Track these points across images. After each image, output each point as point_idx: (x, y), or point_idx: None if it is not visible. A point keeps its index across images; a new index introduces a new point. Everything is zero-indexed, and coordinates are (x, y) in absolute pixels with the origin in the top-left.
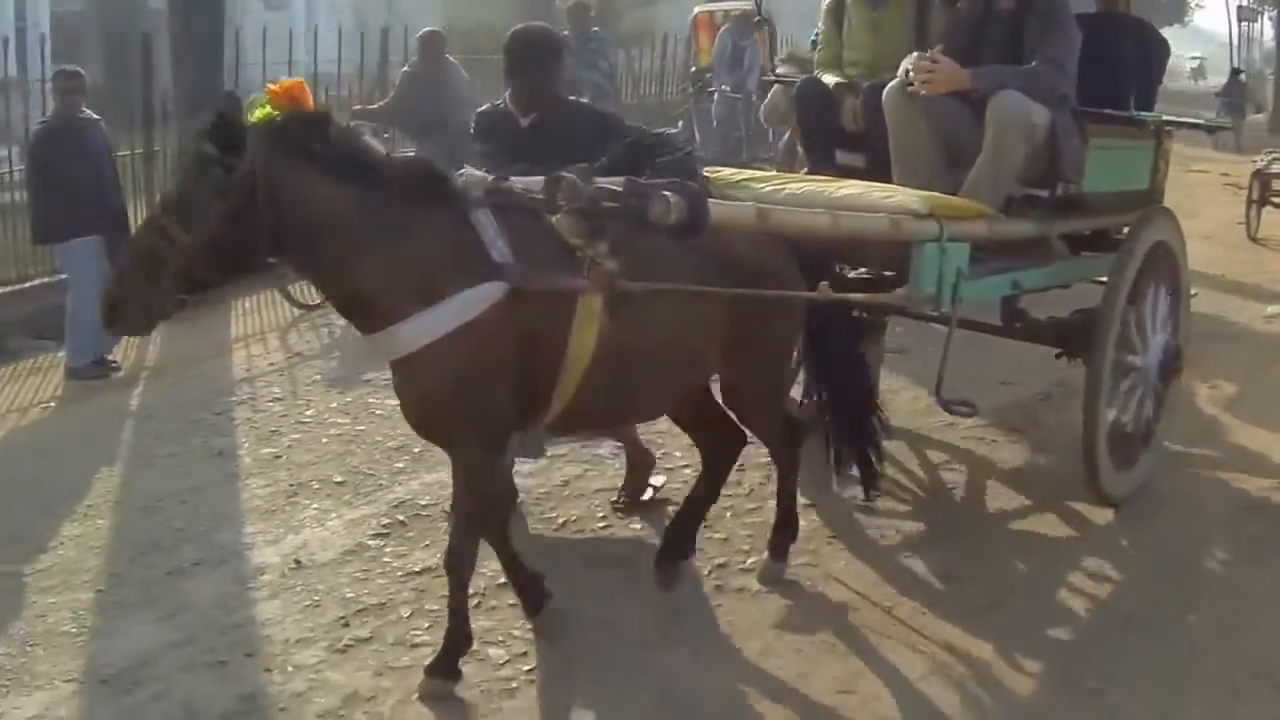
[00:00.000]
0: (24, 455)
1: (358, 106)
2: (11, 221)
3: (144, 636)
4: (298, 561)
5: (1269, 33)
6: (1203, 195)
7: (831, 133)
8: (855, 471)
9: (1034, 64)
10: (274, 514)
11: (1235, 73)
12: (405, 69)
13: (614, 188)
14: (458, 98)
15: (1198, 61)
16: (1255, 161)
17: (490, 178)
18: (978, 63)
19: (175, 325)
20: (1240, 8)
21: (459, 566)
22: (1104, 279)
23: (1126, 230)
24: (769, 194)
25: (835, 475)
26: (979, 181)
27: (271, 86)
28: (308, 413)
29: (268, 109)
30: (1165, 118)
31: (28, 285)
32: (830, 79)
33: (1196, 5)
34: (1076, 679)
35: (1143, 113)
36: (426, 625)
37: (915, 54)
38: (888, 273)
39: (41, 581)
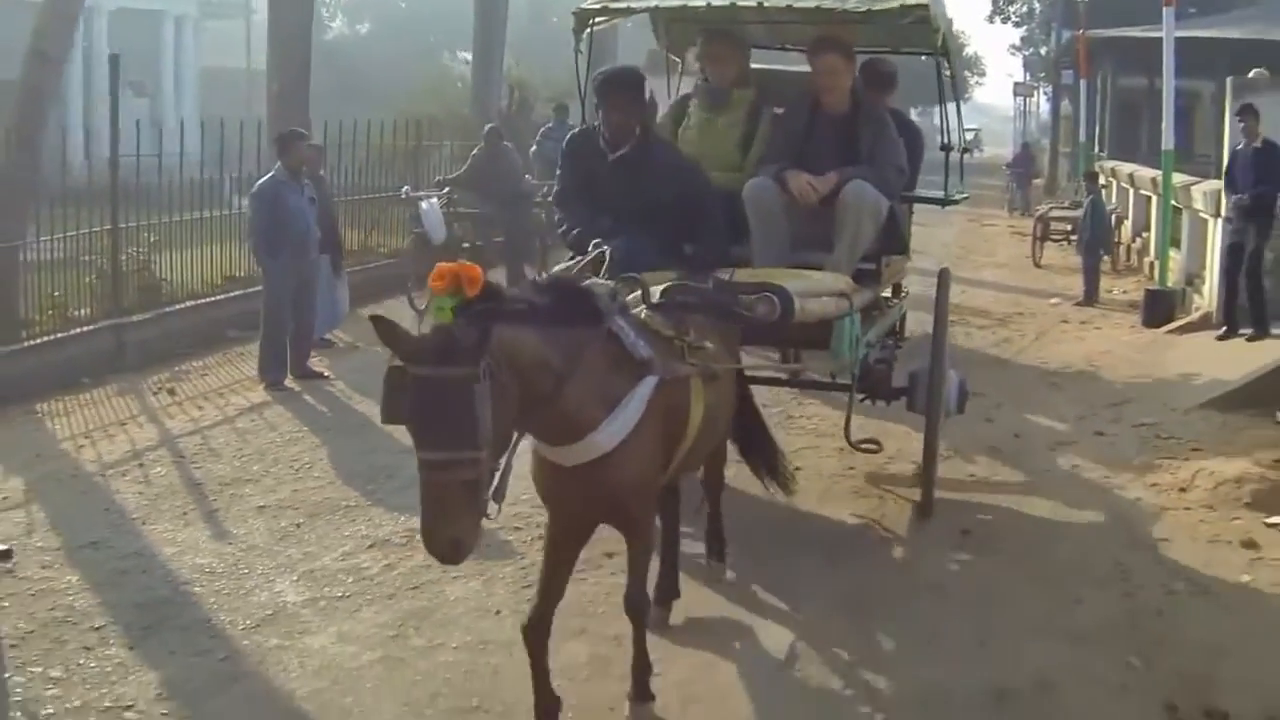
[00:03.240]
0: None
1: (440, 178)
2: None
3: None
4: None
5: (1045, 106)
6: (998, 241)
7: None
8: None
9: (879, 165)
10: None
11: (1024, 146)
12: (475, 151)
13: (703, 287)
14: (511, 172)
15: (973, 134)
16: (1036, 211)
17: (612, 284)
18: (810, 160)
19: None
20: (1016, 84)
21: (642, 610)
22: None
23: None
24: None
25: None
26: (839, 259)
27: (436, 281)
28: None
29: (451, 299)
30: (955, 195)
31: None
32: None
33: (976, 83)
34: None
35: (948, 193)
36: None
37: (776, 168)
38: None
39: None
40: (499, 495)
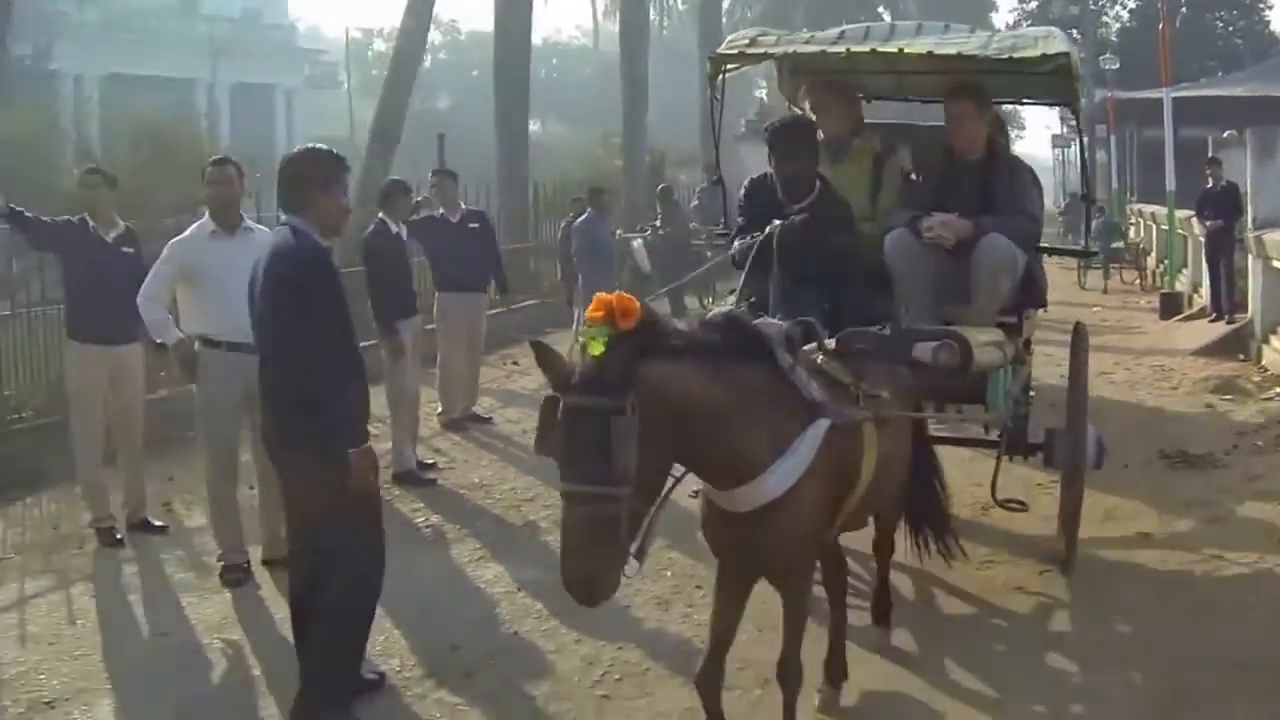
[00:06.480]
0: None
1: (649, 225)
2: None
3: None
4: None
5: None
6: (1056, 275)
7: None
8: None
9: (1017, 215)
10: None
11: (1073, 196)
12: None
13: (879, 334)
14: (684, 220)
15: None
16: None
17: (783, 323)
18: (945, 208)
19: None
20: (1055, 136)
21: (795, 681)
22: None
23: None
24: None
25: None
26: (979, 313)
27: (593, 312)
28: None
29: (604, 330)
30: (1091, 249)
31: None
32: None
33: (1017, 135)
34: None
35: (1087, 244)
36: None
37: (916, 214)
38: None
39: None
40: (642, 552)
